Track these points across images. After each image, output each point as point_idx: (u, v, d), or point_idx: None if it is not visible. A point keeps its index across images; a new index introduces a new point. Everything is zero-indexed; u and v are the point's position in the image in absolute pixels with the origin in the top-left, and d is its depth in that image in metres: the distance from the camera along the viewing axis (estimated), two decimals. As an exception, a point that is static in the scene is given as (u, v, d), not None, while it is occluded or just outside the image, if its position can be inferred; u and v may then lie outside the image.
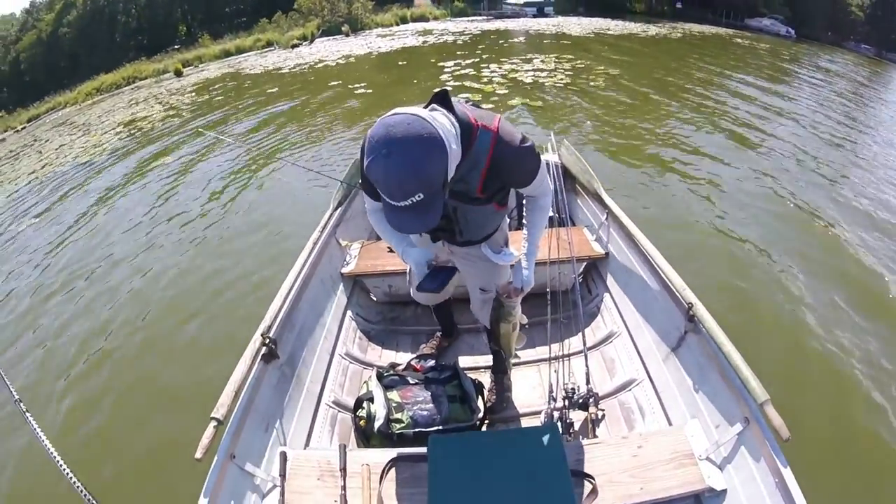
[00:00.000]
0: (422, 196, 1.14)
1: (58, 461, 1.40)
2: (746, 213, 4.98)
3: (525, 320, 1.69)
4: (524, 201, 1.71)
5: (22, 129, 19.54)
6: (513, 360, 2.10)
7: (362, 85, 12.35)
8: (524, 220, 1.69)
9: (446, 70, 13.17)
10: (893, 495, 2.34)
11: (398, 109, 1.18)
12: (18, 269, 5.48)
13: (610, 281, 2.75)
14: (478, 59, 14.42)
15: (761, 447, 1.52)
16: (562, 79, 11.72)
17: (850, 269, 4.09)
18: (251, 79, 16.23)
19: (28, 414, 1.56)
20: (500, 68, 12.88)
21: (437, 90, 1.35)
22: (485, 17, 29.45)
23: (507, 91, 10.55)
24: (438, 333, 2.60)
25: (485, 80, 11.69)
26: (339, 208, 3.03)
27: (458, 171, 1.34)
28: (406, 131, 1.11)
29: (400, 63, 15.77)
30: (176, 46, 28.02)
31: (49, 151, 11.92)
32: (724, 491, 1.57)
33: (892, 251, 4.37)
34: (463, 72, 12.77)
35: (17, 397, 1.61)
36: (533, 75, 12.07)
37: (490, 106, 9.32)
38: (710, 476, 1.59)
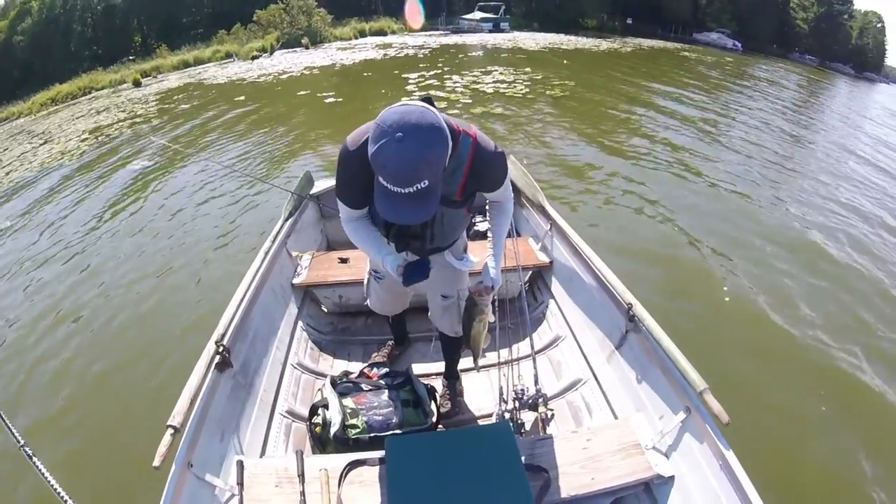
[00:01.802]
0: (427, 183, 1.20)
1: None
2: (687, 215, 5.47)
3: (493, 319, 1.73)
4: (487, 207, 1.82)
5: (-30, 140, 18.88)
6: (468, 364, 2.24)
7: (330, 94, 12.75)
8: (475, 224, 1.91)
9: (411, 81, 13.69)
10: (831, 465, 2.60)
11: (405, 100, 1.25)
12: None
13: (555, 288, 2.86)
14: (440, 71, 15.04)
15: (704, 433, 1.60)
16: (521, 89, 12.49)
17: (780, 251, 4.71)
18: (215, 88, 16.30)
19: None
20: (461, 80, 13.56)
21: (421, 95, 1.45)
22: (442, 32, 30.10)
23: (470, 100, 11.22)
24: (390, 342, 2.65)
25: (448, 89, 12.34)
26: (290, 219, 3.05)
27: (443, 172, 1.44)
28: (419, 119, 1.18)
29: (365, 74, 16.19)
30: (131, 57, 27.48)
31: (10, 160, 11.76)
32: (672, 477, 1.65)
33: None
34: (427, 82, 13.38)
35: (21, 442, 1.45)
36: (493, 86, 12.76)
37: (456, 112, 10.01)
38: (657, 464, 1.67)
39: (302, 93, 13.54)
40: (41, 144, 12.40)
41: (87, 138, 11.80)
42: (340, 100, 12.25)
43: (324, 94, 12.86)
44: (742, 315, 3.79)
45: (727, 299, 3.97)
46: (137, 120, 12.82)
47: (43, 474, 1.31)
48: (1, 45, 30.21)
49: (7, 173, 10.33)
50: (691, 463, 1.63)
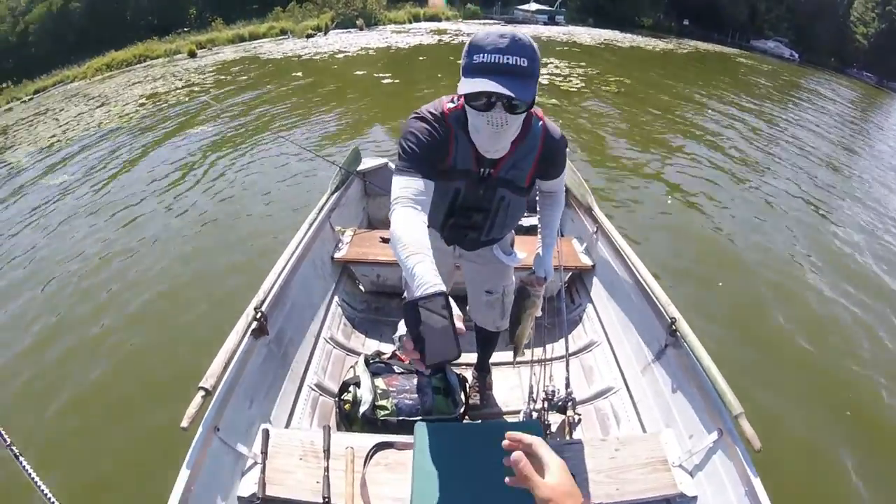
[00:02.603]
0: (526, 63, 1.16)
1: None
2: (743, 229, 5.08)
3: (540, 313, 1.67)
4: (538, 198, 1.74)
5: (29, 99, 19.20)
6: (499, 359, 2.20)
7: (387, 76, 12.53)
8: (539, 218, 1.69)
9: (467, 68, 13.34)
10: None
11: None
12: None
13: (594, 292, 2.80)
14: (496, 60, 14.63)
15: (733, 457, 1.56)
16: (576, 83, 12.05)
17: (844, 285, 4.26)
18: (272, 63, 16.27)
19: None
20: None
21: None
22: (496, 21, 29.65)
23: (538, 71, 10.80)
24: None
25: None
26: (336, 194, 3.03)
27: (515, 153, 1.41)
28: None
29: (420, 58, 15.95)
30: (186, 29, 27.81)
31: (67, 119, 11.83)
32: (695, 497, 1.62)
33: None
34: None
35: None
36: (548, 78, 12.38)
37: None
38: (682, 482, 1.64)
39: (358, 72, 13.37)
40: (98, 106, 12.49)
41: (144, 103, 11.83)
42: (397, 81, 12.01)
43: (380, 74, 12.63)
44: (787, 347, 3.48)
45: (774, 325, 3.66)
46: (195, 89, 12.85)
47: (30, 475, 1.20)
48: (59, 10, 30.96)
49: (65, 132, 10.38)
50: (717, 485, 1.58)
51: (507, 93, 1.15)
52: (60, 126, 11.10)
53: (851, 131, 11.64)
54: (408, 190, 1.24)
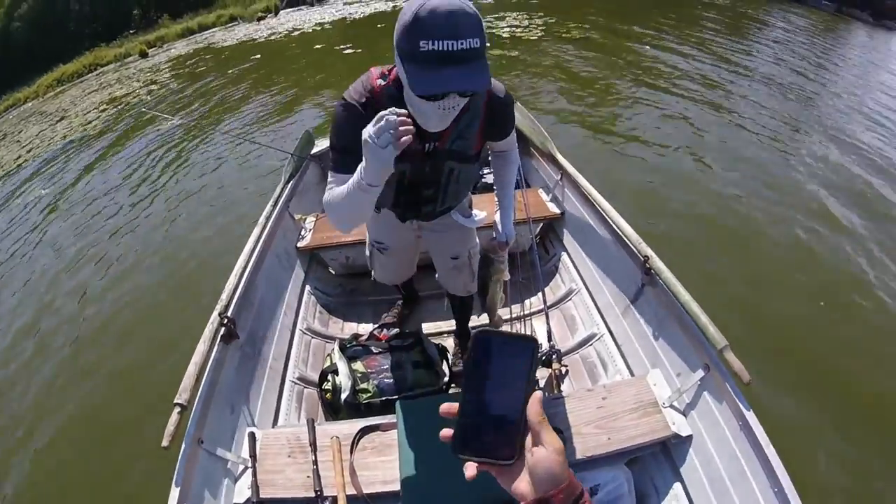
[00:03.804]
0: (478, 42, 1.04)
1: None
2: (713, 165, 4.91)
3: (509, 277, 1.67)
4: (490, 159, 1.70)
5: (-20, 128, 18.63)
6: (479, 322, 2.15)
7: (348, 46, 12.20)
8: (482, 176, 1.68)
9: (428, 26, 13.07)
10: (860, 427, 2.39)
11: None
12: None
13: (567, 240, 2.76)
14: (455, 16, 14.34)
15: (723, 392, 1.54)
16: (536, 33, 11.84)
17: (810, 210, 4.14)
18: (227, 50, 15.74)
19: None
20: (476, 27, 12.90)
21: None
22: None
23: (488, 44, 10.57)
24: (399, 302, 2.58)
25: (466, 34, 11.73)
26: (291, 182, 2.93)
27: (460, 122, 1.31)
28: None
29: (379, 25, 15.48)
30: (132, 31, 26.91)
31: (29, 139, 11.47)
32: (690, 437, 1.60)
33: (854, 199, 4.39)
34: (444, 29, 12.73)
35: None
36: (509, 31, 12.14)
37: None
38: (674, 423, 1.61)
39: (318, 46, 13.05)
40: (58, 121, 12.15)
41: (105, 108, 11.55)
42: (360, 50, 11.72)
43: (341, 46, 12.32)
44: (772, 276, 3.41)
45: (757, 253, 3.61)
46: (153, 87, 12.49)
47: None
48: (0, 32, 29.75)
49: (29, 150, 10.11)
50: (710, 422, 1.57)
51: (473, 89, 1.09)
52: (23, 147, 10.78)
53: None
54: (341, 178, 1.24)
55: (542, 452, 0.48)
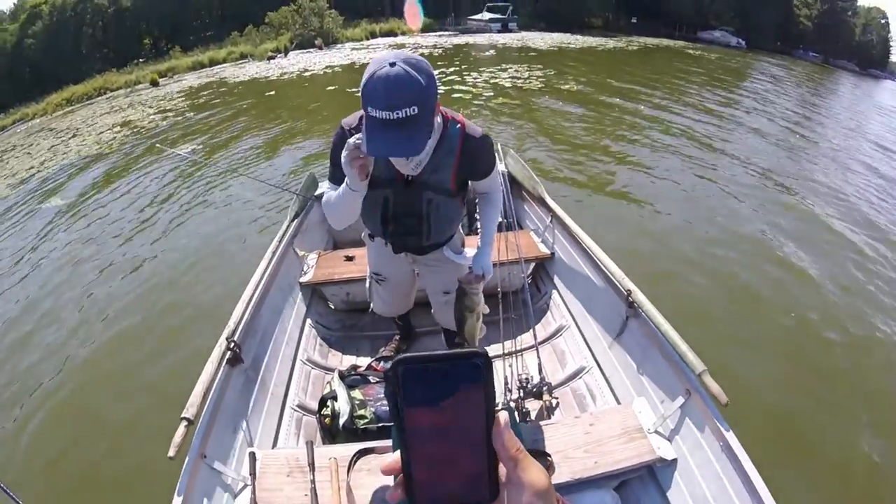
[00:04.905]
0: (416, 110, 1.18)
1: None
2: (697, 211, 5.42)
3: (487, 310, 1.66)
4: (476, 199, 1.83)
5: (-12, 138, 18.93)
6: None
7: (355, 89, 12.84)
8: (477, 219, 1.85)
9: (434, 77, 13.95)
10: (833, 447, 2.63)
11: None
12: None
13: (557, 279, 2.90)
14: (458, 69, 15.32)
15: (704, 415, 1.61)
16: (536, 84, 12.86)
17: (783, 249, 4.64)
18: (241, 85, 16.55)
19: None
20: (480, 76, 13.92)
21: None
22: (452, 33, 30.26)
23: (491, 93, 11.65)
24: (397, 337, 2.68)
25: (470, 84, 12.74)
26: (296, 220, 3.09)
27: (435, 156, 1.49)
28: (411, 56, 1.23)
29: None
30: (142, 59, 27.72)
31: (41, 151, 11.88)
32: (675, 460, 1.66)
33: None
34: (448, 78, 13.68)
35: None
36: (511, 81, 13.14)
37: (480, 103, 10.56)
38: (659, 447, 1.67)
39: (330, 87, 13.87)
40: (70, 138, 12.59)
41: (119, 130, 11.98)
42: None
43: (352, 88, 13.02)
44: (746, 304, 3.80)
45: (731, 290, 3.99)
46: (168, 114, 13.04)
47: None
48: (12, 48, 30.44)
49: (42, 162, 10.48)
50: (693, 445, 1.64)
51: (404, 155, 1.31)
52: (35, 158, 11.16)
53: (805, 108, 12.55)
54: (331, 189, 1.55)
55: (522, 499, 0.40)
